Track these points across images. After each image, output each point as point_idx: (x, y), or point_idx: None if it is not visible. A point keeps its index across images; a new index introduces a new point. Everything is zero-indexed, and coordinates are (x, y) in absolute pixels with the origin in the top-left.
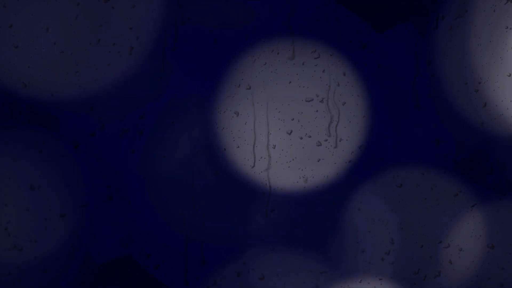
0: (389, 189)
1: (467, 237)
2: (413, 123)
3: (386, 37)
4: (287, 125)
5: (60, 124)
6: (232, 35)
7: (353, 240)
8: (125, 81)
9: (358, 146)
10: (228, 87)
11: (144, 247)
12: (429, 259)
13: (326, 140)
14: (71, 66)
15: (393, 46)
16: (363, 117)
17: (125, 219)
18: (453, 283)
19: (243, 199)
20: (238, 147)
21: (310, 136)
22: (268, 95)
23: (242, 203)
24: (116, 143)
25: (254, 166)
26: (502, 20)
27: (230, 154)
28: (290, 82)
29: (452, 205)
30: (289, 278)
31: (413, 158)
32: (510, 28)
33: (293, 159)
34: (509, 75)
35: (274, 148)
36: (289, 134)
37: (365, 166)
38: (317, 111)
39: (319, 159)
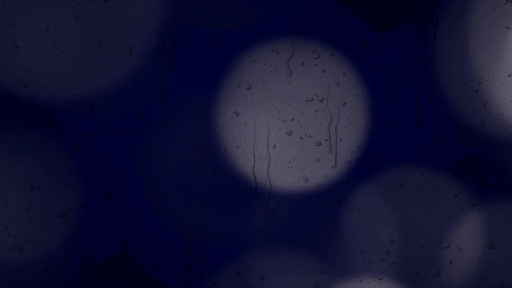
0: (389, 189)
1: (467, 237)
2: (413, 123)
3: (386, 37)
4: (287, 125)
5: (60, 124)
6: (232, 35)
7: (353, 240)
8: (125, 81)
9: (358, 146)
10: (228, 87)
11: (144, 247)
12: (429, 259)
13: (326, 140)
14: (71, 66)
15: (393, 46)
16: (363, 117)
17: (125, 219)
18: (453, 283)
19: (243, 199)
20: (238, 147)
21: (310, 136)
22: (268, 95)
23: (242, 203)
24: (116, 143)
25: (254, 166)
26: (502, 20)
27: (230, 154)
28: (290, 82)
29: (452, 205)
30: (289, 278)
31: (413, 158)
32: (510, 28)
33: (293, 159)
34: (509, 75)
35: (274, 148)
36: (289, 134)
37: (365, 166)
38: (317, 111)
39: (319, 159)
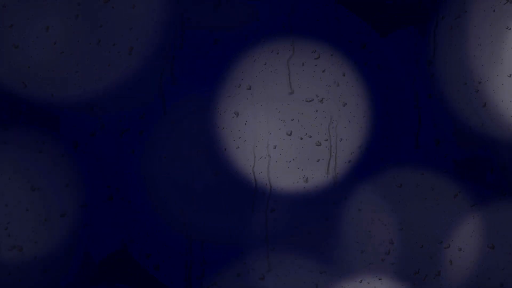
0: (389, 189)
1: (467, 237)
2: (413, 123)
3: (386, 37)
4: (287, 125)
5: (60, 124)
6: (232, 35)
7: (353, 240)
8: (125, 81)
9: (358, 146)
10: (228, 87)
11: (144, 247)
12: (429, 259)
13: (326, 140)
14: (71, 66)
15: (393, 46)
16: (363, 117)
17: (125, 219)
18: (453, 283)
19: (243, 199)
20: (238, 147)
21: (310, 136)
22: (268, 95)
23: (242, 203)
24: (116, 143)
25: (254, 166)
26: (502, 20)
27: (230, 154)
28: (289, 82)
29: (452, 205)
30: (289, 278)
31: (413, 158)
32: (510, 28)
33: (293, 159)
34: (510, 76)
35: (274, 148)
36: (289, 134)
37: (365, 166)
38: (317, 111)
39: (319, 159)
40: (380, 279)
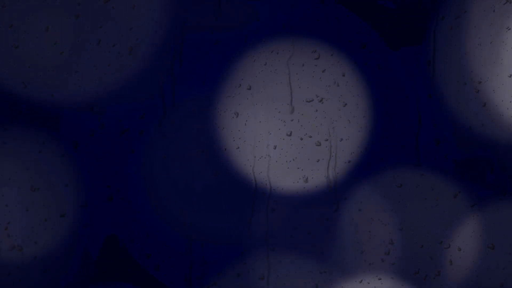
0: (389, 189)
1: (467, 237)
2: (413, 123)
3: (386, 38)
4: (287, 125)
5: (60, 124)
6: (232, 35)
7: (353, 240)
8: (125, 81)
9: (358, 146)
10: (228, 87)
11: (144, 247)
12: (429, 259)
13: (326, 140)
14: (71, 66)
15: (392, 46)
16: (363, 117)
17: (125, 219)
18: (453, 283)
19: (243, 199)
20: (238, 147)
21: (310, 136)
22: (268, 95)
23: (242, 203)
24: (116, 143)
25: (254, 166)
26: (502, 20)
27: (230, 154)
28: (289, 82)
29: (452, 205)
30: (289, 278)
31: (413, 158)
32: (510, 28)
33: (293, 159)
34: (510, 76)
35: (274, 148)
36: (289, 134)
37: (365, 166)
38: (317, 111)
39: (319, 159)
40: (380, 279)
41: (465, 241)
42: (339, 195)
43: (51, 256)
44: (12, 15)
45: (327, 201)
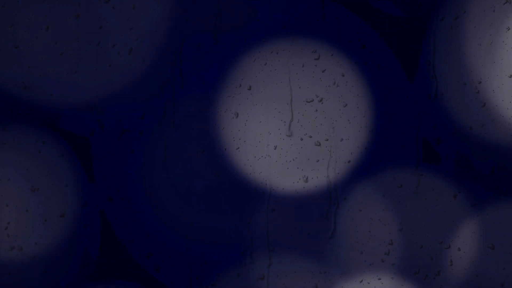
0: (389, 189)
1: (467, 237)
2: (413, 123)
3: (386, 38)
4: (287, 125)
5: (60, 124)
6: (232, 35)
7: (353, 240)
8: (125, 81)
9: (357, 146)
10: (228, 87)
11: (144, 247)
12: (429, 259)
13: (327, 140)
14: (71, 66)
15: (393, 46)
16: (363, 117)
17: (125, 219)
18: (453, 283)
19: (243, 199)
20: (238, 147)
21: (310, 136)
22: (268, 95)
23: (242, 203)
24: (116, 143)
25: (254, 166)
26: (502, 20)
27: (230, 154)
28: (289, 82)
29: (452, 205)
30: (289, 278)
31: (413, 158)
32: (510, 28)
33: (293, 159)
34: (510, 76)
35: (275, 148)
36: (289, 134)
37: (365, 166)
38: (317, 111)
39: (319, 159)
40: (380, 279)
41: (465, 241)
42: (339, 195)
43: (51, 256)
44: (12, 15)
45: (327, 201)
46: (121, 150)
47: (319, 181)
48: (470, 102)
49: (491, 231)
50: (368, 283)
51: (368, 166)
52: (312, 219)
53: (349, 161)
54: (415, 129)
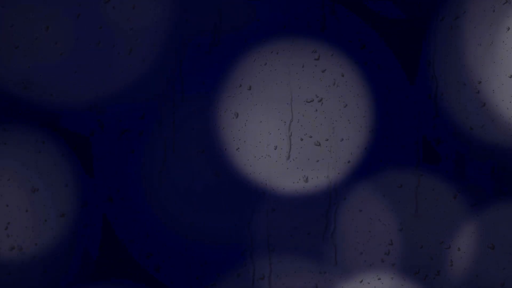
0: (389, 189)
1: (467, 237)
2: (413, 123)
3: (386, 38)
4: (287, 125)
5: (60, 124)
6: (232, 35)
7: (353, 240)
8: (125, 81)
9: (357, 146)
10: (228, 87)
11: (144, 247)
12: (429, 259)
13: (327, 140)
14: (71, 66)
15: (392, 46)
16: (363, 117)
17: (125, 219)
18: (453, 283)
19: (243, 199)
20: (238, 147)
21: (310, 136)
22: (268, 95)
23: (242, 203)
24: (116, 143)
25: (254, 166)
26: (502, 20)
27: (230, 154)
28: (289, 82)
29: (452, 205)
30: (289, 278)
31: (413, 158)
32: (510, 28)
33: (293, 159)
34: (510, 76)
35: (275, 149)
36: (289, 134)
37: (365, 166)
38: (317, 111)
39: (319, 159)
40: (380, 279)
41: (465, 241)
42: (339, 195)
43: (51, 256)
44: (12, 15)
45: (327, 201)
46: (121, 150)
47: (319, 181)
48: (470, 102)
49: (491, 231)
50: (368, 283)
51: (368, 166)
52: (312, 219)
53: (349, 161)
54: (415, 129)
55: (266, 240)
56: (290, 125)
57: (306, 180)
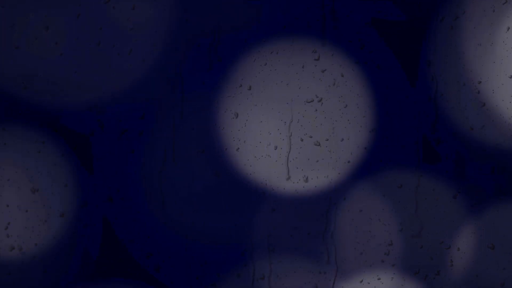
0: (389, 189)
1: (467, 237)
2: (413, 123)
3: (386, 38)
4: (287, 125)
5: (60, 124)
6: (233, 35)
7: (353, 240)
8: (125, 81)
9: (357, 146)
10: (228, 87)
11: (144, 247)
12: (429, 259)
13: (327, 140)
14: (71, 66)
15: (392, 46)
16: (363, 117)
17: (125, 219)
18: (453, 283)
19: (243, 199)
20: (238, 147)
21: (310, 136)
22: (268, 95)
23: (242, 203)
24: (116, 143)
25: (254, 166)
26: (502, 20)
27: (230, 154)
28: (289, 82)
29: (452, 205)
30: (289, 278)
31: (413, 158)
32: (510, 28)
33: (293, 159)
34: (510, 77)
35: (275, 149)
36: (289, 134)
37: (365, 167)
38: (316, 111)
39: (319, 159)
40: (380, 279)
41: (465, 241)
42: (339, 195)
43: (51, 256)
44: (12, 15)
45: (327, 201)
46: (121, 150)
47: (319, 181)
48: (470, 102)
49: (491, 231)
50: (368, 283)
51: (368, 166)
52: (312, 219)
53: (349, 161)
54: (415, 129)
55: (266, 240)
56: (290, 125)
57: (306, 180)
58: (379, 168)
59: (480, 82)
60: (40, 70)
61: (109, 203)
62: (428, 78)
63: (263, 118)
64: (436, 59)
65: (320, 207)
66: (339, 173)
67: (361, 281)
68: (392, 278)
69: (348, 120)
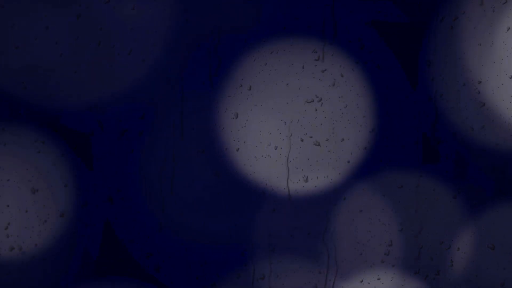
0: (389, 189)
1: (467, 237)
2: (413, 123)
3: (386, 38)
4: (287, 125)
5: (60, 124)
6: (233, 35)
7: (353, 240)
8: (125, 82)
9: (357, 146)
10: (228, 87)
11: (144, 247)
12: (429, 260)
13: (327, 140)
14: (71, 66)
15: (392, 46)
16: (363, 117)
17: (125, 219)
18: (453, 283)
19: (243, 199)
20: (238, 147)
21: (310, 137)
22: (268, 95)
23: (242, 204)
24: (116, 143)
25: (254, 166)
26: (502, 20)
27: (230, 154)
28: (289, 82)
29: (452, 205)
30: (289, 278)
31: (413, 158)
32: (510, 28)
33: (293, 159)
34: (510, 77)
35: (275, 149)
36: (289, 134)
37: (365, 167)
38: (317, 111)
39: (319, 159)
40: (380, 279)
41: (465, 241)
42: (339, 195)
43: (51, 256)
44: (12, 15)
45: (327, 201)
46: (121, 150)
47: (319, 181)
48: (470, 102)
49: (491, 231)
50: (368, 283)
51: (368, 166)
52: (312, 219)
53: (349, 161)
54: (415, 129)
55: (266, 240)
56: (290, 125)
57: (306, 180)
58: (379, 168)
59: (480, 82)
60: (40, 70)
61: (109, 203)
62: (428, 78)
63: (263, 118)
64: (436, 59)
65: (320, 207)
66: (339, 173)
67: (361, 281)
68: (392, 278)
69: (348, 120)
